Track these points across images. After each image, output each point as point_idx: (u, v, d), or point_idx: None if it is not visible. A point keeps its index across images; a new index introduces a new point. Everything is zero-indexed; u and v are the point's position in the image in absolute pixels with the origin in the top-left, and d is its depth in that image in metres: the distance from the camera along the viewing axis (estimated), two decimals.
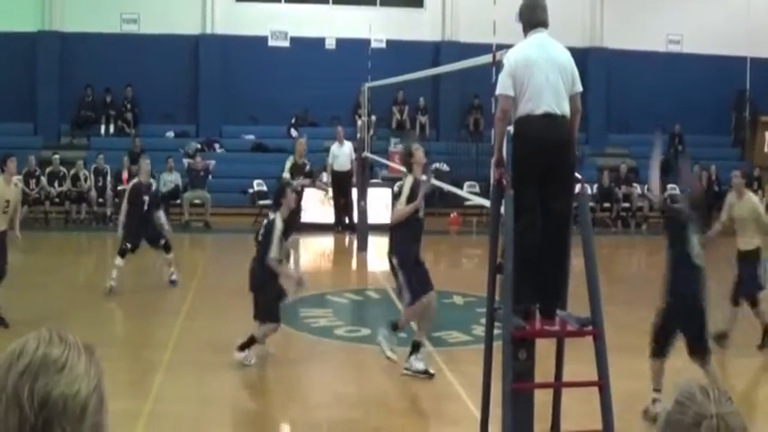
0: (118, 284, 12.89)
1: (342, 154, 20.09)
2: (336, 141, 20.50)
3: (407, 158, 9.54)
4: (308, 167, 15.88)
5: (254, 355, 9.47)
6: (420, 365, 9.26)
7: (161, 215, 13.79)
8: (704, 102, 25.24)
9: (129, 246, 13.00)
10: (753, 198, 10.79)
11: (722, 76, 25.28)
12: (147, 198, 13.29)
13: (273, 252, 9.30)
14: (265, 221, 9.75)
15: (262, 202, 21.15)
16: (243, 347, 9.39)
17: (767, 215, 10.64)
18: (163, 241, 13.47)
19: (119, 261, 12.99)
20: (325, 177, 19.53)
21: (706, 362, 8.05)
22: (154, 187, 13.71)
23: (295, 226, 11.27)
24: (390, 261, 9.35)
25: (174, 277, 13.58)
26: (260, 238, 9.64)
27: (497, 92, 6.07)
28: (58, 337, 1.74)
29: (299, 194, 11.51)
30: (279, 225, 9.51)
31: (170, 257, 13.56)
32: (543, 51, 6.02)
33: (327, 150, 22.96)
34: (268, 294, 9.53)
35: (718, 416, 1.87)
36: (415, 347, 9.32)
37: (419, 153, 9.58)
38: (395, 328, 9.39)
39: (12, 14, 23.13)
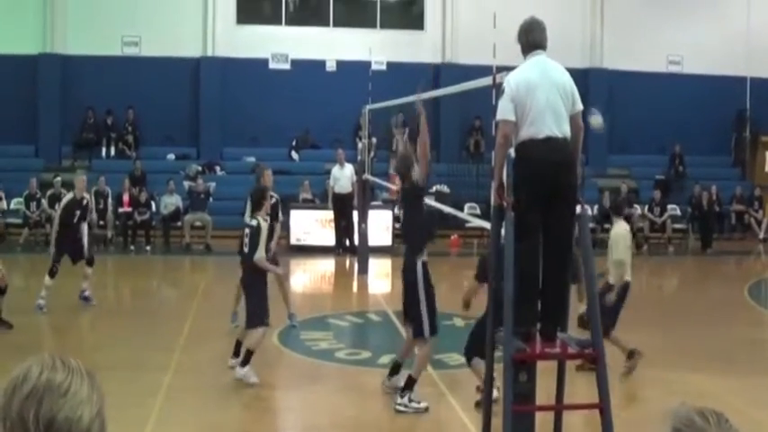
0: (46, 303, 12.89)
1: (343, 176, 20.13)
2: (337, 164, 20.51)
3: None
4: (274, 199, 12.21)
5: (255, 374, 9.43)
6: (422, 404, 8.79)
7: (84, 228, 13.62)
8: (704, 122, 25.31)
9: (58, 266, 13.07)
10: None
11: (722, 96, 25.37)
12: (78, 212, 13.32)
13: (261, 252, 9.28)
14: (247, 229, 9.65)
15: None
16: (244, 363, 9.37)
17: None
18: (88, 255, 13.35)
19: (48, 281, 12.95)
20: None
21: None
22: (85, 202, 13.70)
23: (272, 235, 11.15)
24: (413, 289, 8.79)
25: (86, 294, 13.44)
26: (246, 243, 9.61)
27: (498, 117, 6.07)
28: (61, 362, 1.76)
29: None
30: (264, 225, 9.53)
31: (89, 272, 13.44)
32: (543, 74, 6.03)
33: (328, 173, 23.01)
34: (255, 297, 9.51)
35: None
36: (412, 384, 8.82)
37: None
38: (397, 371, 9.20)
39: (13, 37, 23.23)
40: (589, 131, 6.76)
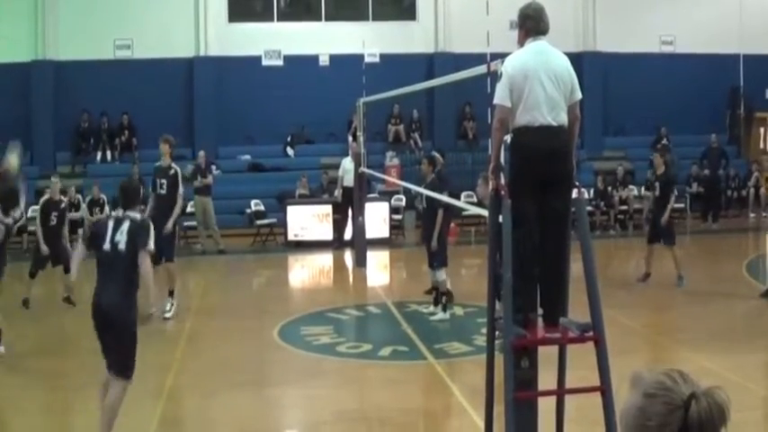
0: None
1: (353, 169, 18.94)
2: (348, 156, 19.81)
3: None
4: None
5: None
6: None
7: (65, 232, 13.65)
8: (699, 100, 25.30)
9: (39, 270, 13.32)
10: None
11: (716, 74, 25.38)
12: (54, 214, 13.44)
13: (152, 246, 7.51)
14: (129, 222, 7.43)
15: (260, 222, 21.14)
16: None
17: None
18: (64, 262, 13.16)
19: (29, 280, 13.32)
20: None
21: None
22: (63, 204, 13.78)
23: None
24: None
25: (66, 294, 13.40)
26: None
27: (495, 101, 6.03)
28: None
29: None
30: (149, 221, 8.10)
31: (68, 277, 13.31)
32: (542, 60, 5.98)
33: (324, 168, 22.99)
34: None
35: (704, 394, 1.87)
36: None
37: None
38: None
39: (5, 45, 23.16)
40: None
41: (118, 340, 7.21)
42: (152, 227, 7.54)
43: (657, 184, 14.81)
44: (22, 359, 10.58)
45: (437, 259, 12.19)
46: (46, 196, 13.82)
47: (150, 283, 7.22)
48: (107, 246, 7.19)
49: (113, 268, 7.15)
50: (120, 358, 7.25)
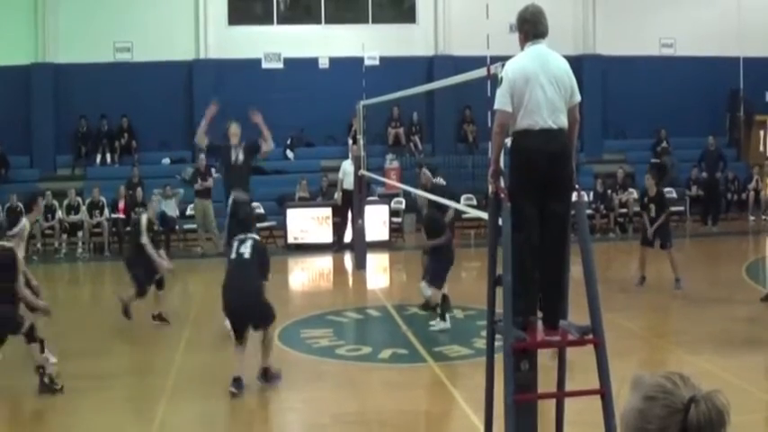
0: None
1: (352, 172, 19.04)
2: (349, 158, 19.95)
3: None
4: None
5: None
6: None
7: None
8: (699, 103, 25.31)
9: None
10: None
11: (715, 77, 25.36)
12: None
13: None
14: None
15: (259, 225, 21.07)
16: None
17: None
18: None
19: None
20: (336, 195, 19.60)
21: None
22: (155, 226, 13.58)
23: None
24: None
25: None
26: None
27: (496, 107, 6.05)
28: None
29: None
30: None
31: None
32: (541, 64, 5.99)
33: (324, 171, 22.98)
34: None
35: (703, 398, 1.87)
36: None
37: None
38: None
39: (5, 48, 23.17)
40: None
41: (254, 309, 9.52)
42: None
43: (652, 206, 14.81)
44: None
45: (428, 274, 11.95)
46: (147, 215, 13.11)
47: None
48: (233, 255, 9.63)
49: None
50: (266, 319, 9.50)
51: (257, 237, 9.89)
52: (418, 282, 12.27)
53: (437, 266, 11.90)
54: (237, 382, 9.21)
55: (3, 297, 9.19)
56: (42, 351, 9.49)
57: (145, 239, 12.56)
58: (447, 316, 11.98)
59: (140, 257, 12.59)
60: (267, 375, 9.55)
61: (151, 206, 13.74)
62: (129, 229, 17.17)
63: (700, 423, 1.86)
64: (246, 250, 9.54)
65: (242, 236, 9.83)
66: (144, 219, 12.89)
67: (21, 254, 9.91)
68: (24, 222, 10.54)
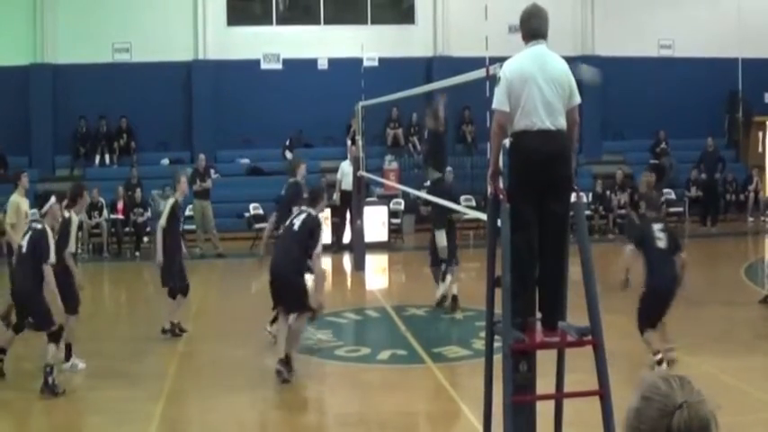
0: None
1: (351, 173, 18.93)
2: (347, 159, 19.90)
3: None
4: None
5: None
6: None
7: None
8: (698, 104, 25.30)
9: None
10: None
11: (714, 78, 25.37)
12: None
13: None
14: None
15: (258, 226, 21.09)
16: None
17: None
18: None
19: None
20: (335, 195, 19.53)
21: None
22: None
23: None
24: None
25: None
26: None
27: (493, 106, 6.04)
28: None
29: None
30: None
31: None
32: (539, 65, 5.97)
33: (322, 172, 22.95)
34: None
35: (688, 405, 1.88)
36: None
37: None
38: None
39: (4, 48, 23.17)
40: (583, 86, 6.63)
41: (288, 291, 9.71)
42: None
43: (642, 203, 14.80)
44: None
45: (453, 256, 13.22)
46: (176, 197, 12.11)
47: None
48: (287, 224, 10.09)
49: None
50: (296, 303, 9.70)
51: (314, 212, 10.06)
52: (426, 273, 13.06)
53: (453, 247, 13.09)
54: (281, 362, 9.45)
55: (39, 282, 9.33)
56: (69, 357, 10.09)
57: (163, 223, 11.68)
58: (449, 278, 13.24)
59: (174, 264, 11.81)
60: (288, 364, 9.53)
61: (180, 187, 12.20)
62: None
63: (680, 430, 1.87)
64: (297, 222, 9.88)
65: (304, 208, 10.20)
66: (170, 203, 11.96)
67: (71, 247, 10.22)
68: (53, 201, 9.98)
